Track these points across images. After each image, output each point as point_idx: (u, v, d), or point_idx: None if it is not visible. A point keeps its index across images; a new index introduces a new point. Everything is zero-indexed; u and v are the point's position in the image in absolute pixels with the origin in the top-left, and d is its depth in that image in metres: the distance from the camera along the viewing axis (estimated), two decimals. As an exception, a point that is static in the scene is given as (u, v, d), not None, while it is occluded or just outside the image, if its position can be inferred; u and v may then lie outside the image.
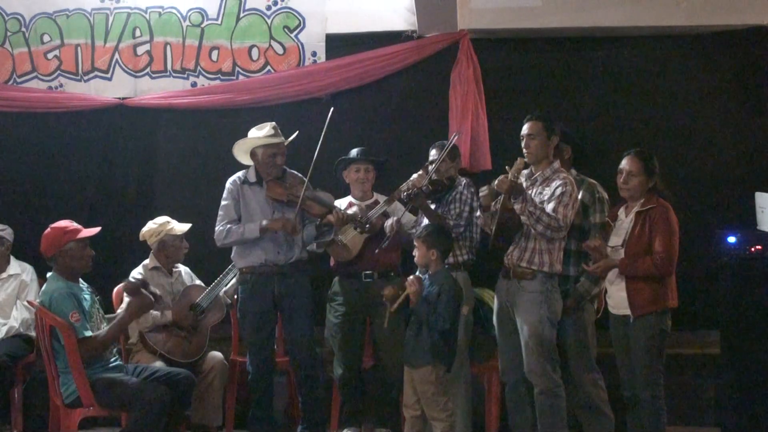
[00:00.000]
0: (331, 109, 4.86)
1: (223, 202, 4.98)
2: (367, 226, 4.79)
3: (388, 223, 4.81)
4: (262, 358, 4.93)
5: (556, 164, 4.52)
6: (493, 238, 4.46)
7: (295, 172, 5.02)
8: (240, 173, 5.03)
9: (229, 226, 4.90)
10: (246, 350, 5.22)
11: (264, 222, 4.83)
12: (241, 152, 4.99)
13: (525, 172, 4.57)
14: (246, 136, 4.98)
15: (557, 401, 4.39)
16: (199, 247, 5.34)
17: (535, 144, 4.46)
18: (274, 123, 4.95)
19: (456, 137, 4.99)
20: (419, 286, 4.26)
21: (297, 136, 4.98)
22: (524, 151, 4.47)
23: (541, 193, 4.44)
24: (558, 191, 4.36)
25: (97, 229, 4.61)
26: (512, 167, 4.28)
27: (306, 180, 4.86)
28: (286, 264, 4.89)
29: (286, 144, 4.92)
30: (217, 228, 4.94)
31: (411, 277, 4.32)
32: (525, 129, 4.50)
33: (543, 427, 4.43)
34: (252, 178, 4.98)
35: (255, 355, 4.93)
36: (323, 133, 4.81)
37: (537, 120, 4.48)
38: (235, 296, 5.15)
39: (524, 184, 4.48)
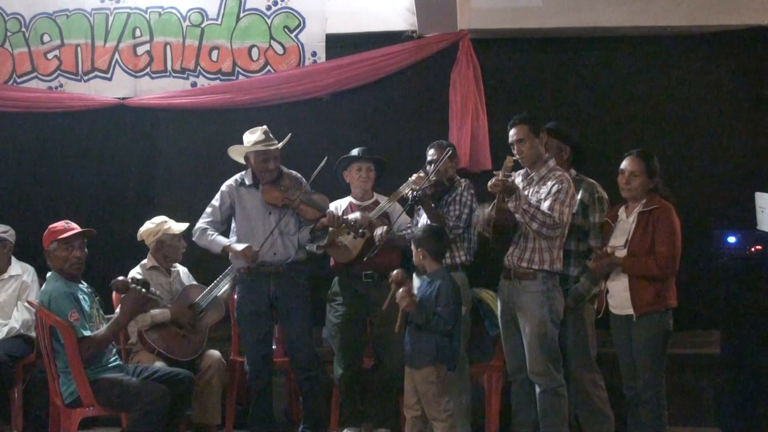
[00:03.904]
0: (325, 158, 4.84)
1: (212, 202, 5.02)
2: (361, 230, 4.78)
3: (378, 232, 4.80)
4: (259, 358, 4.94)
5: (552, 162, 4.52)
6: (492, 240, 4.46)
7: (293, 173, 5.02)
8: (237, 176, 5.05)
9: (206, 227, 4.96)
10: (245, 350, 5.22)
11: (227, 244, 4.88)
12: (236, 155, 5.01)
13: (521, 172, 4.57)
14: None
15: (560, 401, 4.40)
16: (198, 247, 5.33)
17: (526, 147, 4.45)
18: (265, 127, 4.94)
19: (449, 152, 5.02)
20: (410, 298, 4.25)
21: (294, 136, 4.96)
22: (517, 156, 4.45)
23: (538, 192, 4.44)
24: (554, 189, 4.36)
25: (77, 230, 4.55)
26: (502, 168, 4.28)
27: (302, 183, 4.88)
28: (282, 265, 4.90)
29: (279, 148, 4.91)
30: (197, 224, 4.99)
31: (401, 290, 4.28)
32: (512, 135, 4.48)
33: (545, 426, 4.42)
34: (249, 180, 4.99)
35: (252, 355, 4.95)
36: (318, 170, 4.82)
37: (521, 123, 4.46)
38: (229, 300, 5.20)
39: (521, 185, 4.49)
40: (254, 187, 4.98)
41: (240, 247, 4.83)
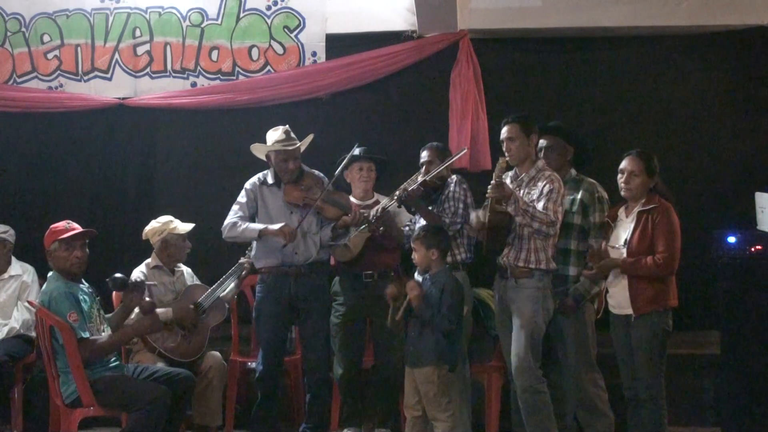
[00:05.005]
0: (355, 147, 4.89)
1: (238, 199, 4.99)
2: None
3: (373, 210, 4.80)
4: (274, 358, 4.92)
5: (540, 163, 4.57)
6: (487, 243, 4.49)
7: (315, 172, 5.01)
8: (260, 174, 5.03)
9: (235, 220, 4.91)
10: (247, 349, 5.23)
11: (263, 227, 4.83)
12: (258, 153, 5.00)
13: (510, 174, 4.60)
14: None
15: (541, 397, 4.41)
16: (199, 247, 5.33)
17: (515, 146, 4.50)
18: (287, 127, 4.92)
19: (463, 152, 5.06)
20: (420, 290, 4.26)
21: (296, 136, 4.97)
22: (506, 154, 4.51)
23: (529, 193, 4.49)
24: (546, 189, 4.42)
25: (78, 230, 4.55)
26: (495, 169, 4.33)
27: (324, 182, 4.88)
28: (304, 265, 4.89)
29: (301, 148, 4.90)
30: (226, 220, 4.94)
31: (411, 281, 4.31)
32: (504, 133, 4.54)
33: (530, 425, 4.43)
34: (270, 179, 4.99)
35: (267, 355, 4.91)
36: (341, 166, 4.88)
37: (514, 122, 4.52)
38: (234, 300, 5.20)
39: (511, 186, 4.51)
40: (276, 186, 4.96)
41: (276, 226, 4.78)
